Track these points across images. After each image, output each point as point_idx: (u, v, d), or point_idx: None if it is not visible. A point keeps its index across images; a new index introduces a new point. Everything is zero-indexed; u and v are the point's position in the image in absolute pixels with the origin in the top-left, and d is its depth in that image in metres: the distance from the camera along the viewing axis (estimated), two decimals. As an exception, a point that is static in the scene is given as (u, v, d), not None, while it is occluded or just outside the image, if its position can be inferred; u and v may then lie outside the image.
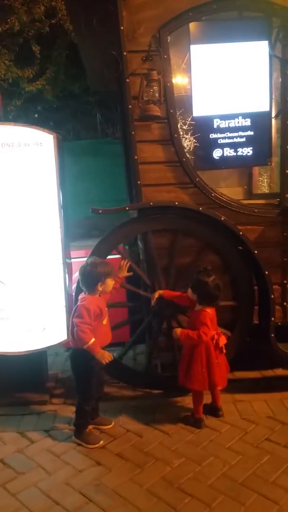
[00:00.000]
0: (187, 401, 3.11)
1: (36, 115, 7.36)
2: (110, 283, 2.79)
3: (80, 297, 2.81)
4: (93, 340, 2.64)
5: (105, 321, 2.80)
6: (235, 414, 3.03)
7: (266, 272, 3.06)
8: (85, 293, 2.79)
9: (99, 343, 2.69)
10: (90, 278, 2.74)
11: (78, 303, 2.76)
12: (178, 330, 2.84)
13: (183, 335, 2.79)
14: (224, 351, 2.86)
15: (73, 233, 4.53)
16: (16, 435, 2.89)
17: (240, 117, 3.24)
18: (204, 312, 2.80)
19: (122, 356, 3.41)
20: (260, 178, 5.00)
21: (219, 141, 3.27)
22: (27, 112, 7.12)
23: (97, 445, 2.74)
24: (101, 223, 5.41)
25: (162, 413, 3.06)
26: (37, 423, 3.03)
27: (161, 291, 3.09)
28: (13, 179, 3.03)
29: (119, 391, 3.38)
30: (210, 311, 2.81)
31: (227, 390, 3.11)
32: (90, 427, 2.87)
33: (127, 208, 3.22)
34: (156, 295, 3.09)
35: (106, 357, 2.68)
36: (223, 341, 2.83)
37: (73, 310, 2.83)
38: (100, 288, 2.75)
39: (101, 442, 2.76)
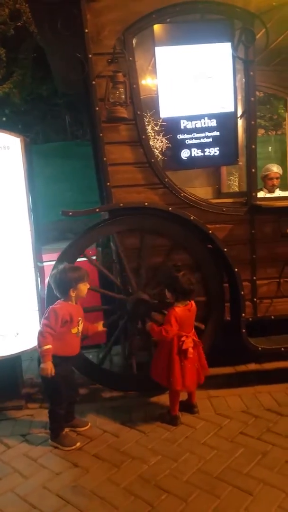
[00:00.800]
0: (163, 399, 3.14)
1: (4, 119, 7.26)
2: (83, 287, 2.78)
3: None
4: (48, 346, 2.64)
5: (74, 330, 2.78)
6: (210, 409, 3.08)
7: (236, 269, 3.13)
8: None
9: (62, 351, 2.71)
10: (61, 285, 2.74)
11: (51, 306, 2.77)
12: (149, 323, 2.93)
13: (150, 328, 2.88)
14: (189, 356, 2.81)
15: (46, 236, 4.51)
16: (-8, 442, 2.86)
17: (206, 118, 3.30)
18: (171, 310, 2.84)
19: (103, 361, 3.40)
20: (232, 178, 5.12)
21: (186, 142, 3.32)
22: (-5, 115, 7.05)
23: (74, 447, 2.74)
24: (74, 226, 5.40)
25: (138, 412, 3.09)
26: (13, 428, 3.01)
27: None
28: (-20, 183, 3.00)
29: (95, 393, 3.38)
30: (178, 311, 2.83)
31: (201, 386, 3.15)
32: (67, 429, 2.86)
33: (97, 210, 3.22)
34: None
35: (47, 370, 2.65)
36: (186, 344, 2.80)
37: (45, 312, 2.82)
38: (72, 294, 2.75)
39: (78, 443, 2.76)
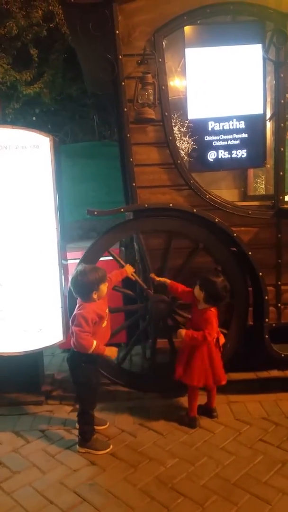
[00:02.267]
0: (182, 401, 3.13)
1: (34, 118, 7.39)
2: (104, 288, 2.71)
3: (77, 303, 2.75)
4: (95, 343, 2.60)
5: (104, 324, 2.76)
6: (229, 415, 3.04)
7: (260, 274, 3.08)
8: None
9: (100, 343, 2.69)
10: (83, 288, 2.65)
11: (76, 311, 2.68)
12: (183, 332, 2.82)
13: (188, 337, 2.79)
14: (222, 349, 2.93)
15: (70, 234, 4.55)
16: (12, 435, 2.91)
17: (234, 120, 3.26)
18: (210, 311, 2.82)
19: (122, 360, 3.42)
20: (258, 180, 5.03)
21: (213, 143, 3.29)
22: (25, 115, 7.14)
23: (107, 450, 2.69)
24: (98, 225, 5.45)
25: (156, 413, 3.08)
26: (32, 423, 3.05)
27: (168, 280, 3.07)
28: (10, 181, 3.06)
29: (114, 392, 3.39)
30: (214, 311, 2.85)
31: (221, 391, 3.12)
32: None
33: (122, 210, 3.23)
34: (158, 278, 3.11)
35: (114, 351, 2.70)
36: (222, 339, 2.90)
37: (71, 317, 2.74)
38: (95, 296, 2.67)
39: (111, 446, 2.71)
